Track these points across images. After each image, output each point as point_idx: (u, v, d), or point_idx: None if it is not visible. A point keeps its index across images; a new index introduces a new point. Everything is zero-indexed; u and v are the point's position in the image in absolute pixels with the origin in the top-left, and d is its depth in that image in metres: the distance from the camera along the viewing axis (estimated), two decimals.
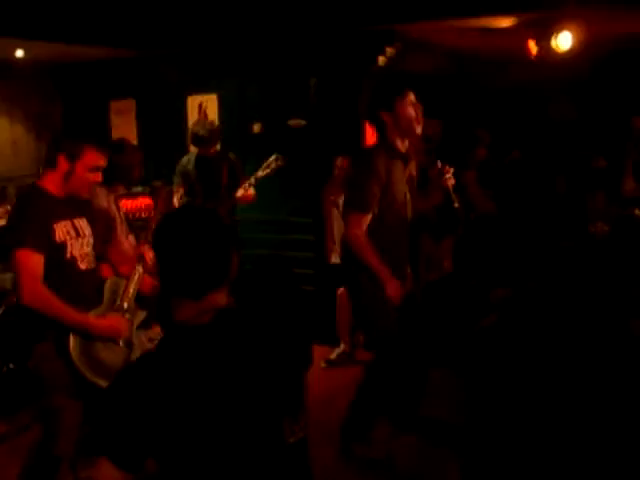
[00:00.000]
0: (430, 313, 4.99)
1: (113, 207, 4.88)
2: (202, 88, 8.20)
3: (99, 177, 3.82)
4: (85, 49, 7.62)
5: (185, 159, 6.90)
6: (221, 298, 2.19)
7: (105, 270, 4.33)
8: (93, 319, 3.67)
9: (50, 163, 3.73)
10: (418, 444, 4.71)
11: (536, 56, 7.19)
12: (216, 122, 7.58)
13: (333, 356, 6.87)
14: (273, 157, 6.42)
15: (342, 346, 6.91)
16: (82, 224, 3.83)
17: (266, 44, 7.56)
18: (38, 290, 3.50)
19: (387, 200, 4.25)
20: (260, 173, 6.41)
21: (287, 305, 6.64)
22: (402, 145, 4.34)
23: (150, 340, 3.96)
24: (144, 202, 6.09)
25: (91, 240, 3.86)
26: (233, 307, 2.24)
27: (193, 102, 8.26)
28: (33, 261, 3.51)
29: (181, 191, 6.64)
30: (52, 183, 3.72)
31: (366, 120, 4.74)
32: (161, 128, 8.50)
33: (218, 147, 6.89)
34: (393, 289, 4.22)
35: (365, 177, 4.19)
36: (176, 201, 6.46)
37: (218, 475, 2.09)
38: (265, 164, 6.42)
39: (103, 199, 4.74)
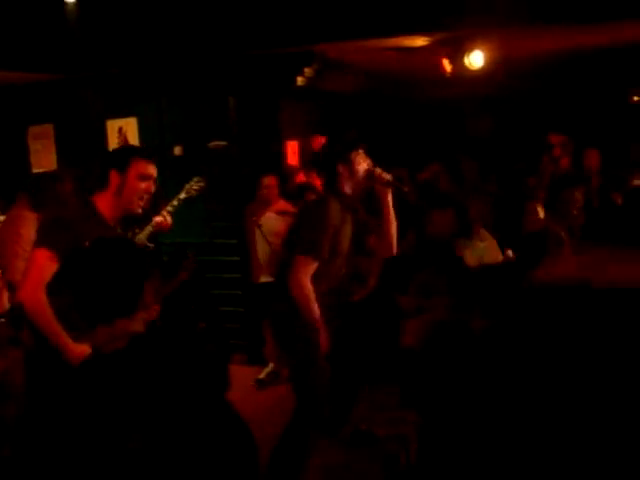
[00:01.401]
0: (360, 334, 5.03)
1: None
2: (121, 112, 8.15)
3: (151, 187, 3.86)
4: (1, 73, 7.50)
5: None
6: (135, 324, 2.23)
7: None
8: (72, 343, 3.58)
9: (101, 182, 3.74)
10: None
11: (450, 74, 7.38)
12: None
13: (262, 375, 6.88)
14: (194, 180, 6.41)
15: (271, 365, 6.93)
16: None
17: (184, 66, 7.57)
18: (39, 294, 3.44)
19: (335, 249, 4.27)
20: (181, 196, 6.39)
21: (202, 326, 6.63)
22: (351, 196, 4.41)
23: None
24: None
25: None
26: (149, 332, 2.26)
27: (113, 126, 8.20)
28: (49, 265, 3.46)
29: None
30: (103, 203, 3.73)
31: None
32: (81, 153, 8.40)
33: None
34: (323, 340, 4.24)
35: (320, 223, 4.22)
36: None
37: None
38: (186, 187, 6.41)
39: (32, 227, 4.68)
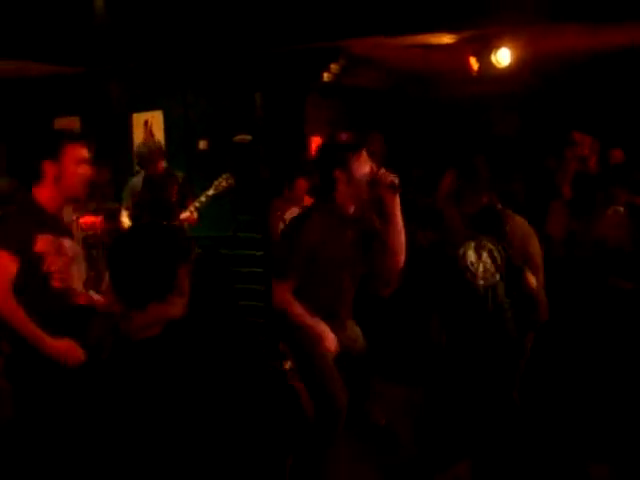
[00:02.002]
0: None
1: (74, 225, 4.87)
2: (147, 105, 8.20)
3: (89, 170, 3.75)
4: (29, 65, 7.57)
5: (135, 180, 6.90)
6: (170, 310, 2.23)
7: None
8: (50, 339, 3.58)
9: (35, 174, 3.67)
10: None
11: (477, 72, 7.36)
12: (159, 141, 7.58)
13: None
14: (223, 177, 6.44)
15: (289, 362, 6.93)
16: (66, 243, 3.75)
17: (210, 60, 7.60)
18: (7, 297, 3.46)
19: (319, 263, 4.02)
20: (210, 193, 6.42)
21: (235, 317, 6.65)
22: (349, 206, 4.08)
23: None
24: (92, 220, 6.06)
25: (73, 262, 3.79)
26: (186, 318, 2.27)
27: (138, 119, 8.25)
28: (9, 265, 3.47)
29: (129, 211, 6.62)
30: (43, 195, 3.66)
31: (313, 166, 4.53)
32: (106, 145, 8.45)
33: (165, 165, 6.89)
34: (330, 343, 4.02)
35: (293, 245, 4.01)
36: (125, 220, 6.44)
37: None
38: (215, 184, 6.44)
39: (67, 216, 4.73)
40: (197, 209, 6.45)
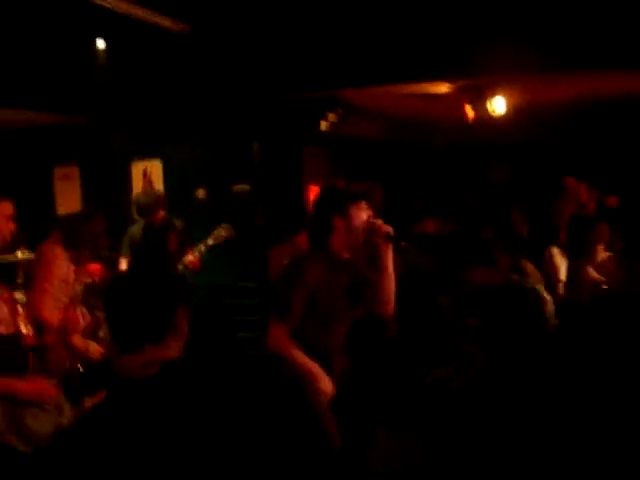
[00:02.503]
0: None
1: (72, 274, 4.90)
2: (146, 154, 8.25)
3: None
4: (30, 115, 7.64)
5: (134, 228, 6.92)
6: (167, 351, 2.26)
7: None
8: (19, 383, 3.61)
9: None
10: None
11: (473, 120, 7.45)
12: (159, 190, 7.62)
13: None
14: (223, 226, 6.48)
15: None
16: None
17: (209, 109, 7.67)
18: None
19: (316, 306, 4.03)
20: (209, 242, 6.46)
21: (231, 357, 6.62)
22: (344, 253, 4.12)
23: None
24: (92, 268, 6.06)
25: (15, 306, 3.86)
26: (182, 360, 2.29)
27: (137, 168, 8.30)
28: None
29: (128, 259, 6.63)
30: None
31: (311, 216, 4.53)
32: (105, 194, 8.50)
33: (164, 214, 6.91)
34: (325, 385, 4.00)
35: (292, 285, 3.99)
36: (124, 268, 6.45)
37: None
38: (214, 233, 6.47)
39: (63, 264, 4.77)
40: (200, 254, 6.48)
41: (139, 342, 2.23)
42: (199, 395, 2.27)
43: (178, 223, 6.85)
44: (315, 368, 4.01)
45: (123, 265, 6.48)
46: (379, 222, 4.03)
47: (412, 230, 6.87)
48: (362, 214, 4.04)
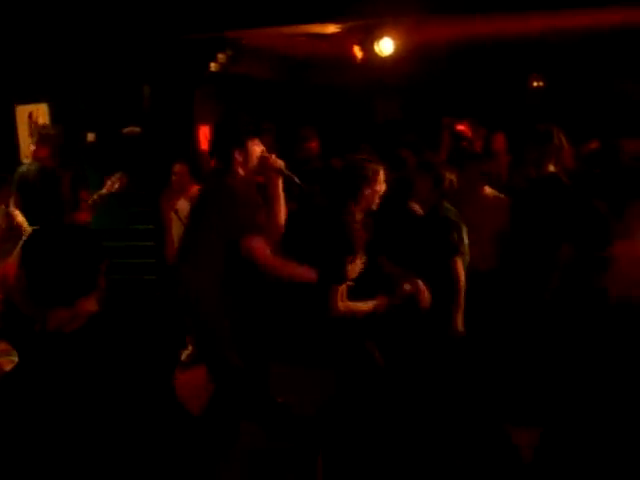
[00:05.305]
0: None
1: None
2: (32, 97, 8.02)
3: None
4: None
5: (23, 167, 6.69)
6: (91, 304, 2.36)
7: None
8: None
9: None
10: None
11: (361, 60, 7.56)
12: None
13: (183, 357, 6.93)
14: (116, 176, 6.42)
15: (190, 347, 6.98)
16: None
17: (97, 52, 7.51)
18: None
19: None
20: (103, 192, 6.40)
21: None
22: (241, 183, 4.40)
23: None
24: None
25: None
26: (102, 312, 2.38)
27: (23, 112, 8.07)
28: None
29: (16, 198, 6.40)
30: None
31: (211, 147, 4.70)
32: None
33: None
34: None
35: (247, 201, 4.27)
36: (13, 208, 6.28)
37: None
38: (108, 183, 6.41)
39: None
40: (89, 207, 6.42)
41: (70, 296, 2.30)
42: (125, 345, 2.38)
43: (73, 168, 6.72)
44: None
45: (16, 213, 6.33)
46: (272, 156, 4.36)
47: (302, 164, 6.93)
48: (257, 149, 4.36)
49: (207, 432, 4.37)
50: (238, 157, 4.32)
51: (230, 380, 4.42)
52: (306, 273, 4.32)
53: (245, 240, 4.26)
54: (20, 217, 5.93)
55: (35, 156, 6.57)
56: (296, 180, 4.41)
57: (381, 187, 4.49)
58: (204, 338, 4.51)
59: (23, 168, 6.67)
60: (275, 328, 4.86)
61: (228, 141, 4.38)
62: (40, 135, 6.63)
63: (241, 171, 4.33)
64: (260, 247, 4.26)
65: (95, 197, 6.43)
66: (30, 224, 5.84)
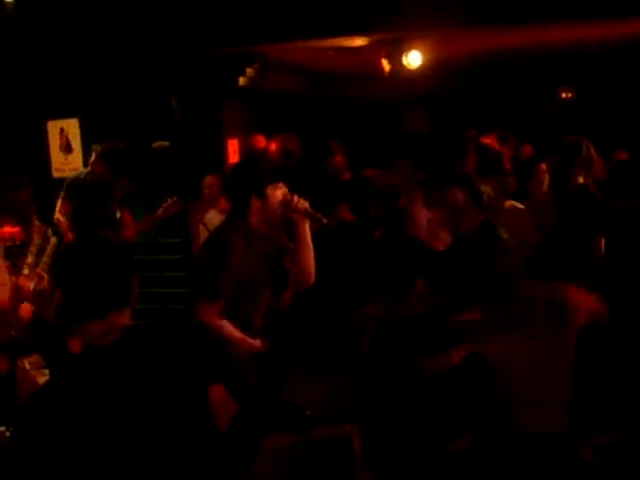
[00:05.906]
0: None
1: None
2: (63, 112, 8.10)
3: None
4: None
5: (79, 179, 6.64)
6: (125, 318, 2.39)
7: None
8: None
9: None
10: None
11: (389, 73, 7.55)
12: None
13: None
14: (173, 199, 6.42)
15: None
16: None
17: (126, 66, 7.57)
18: None
19: (241, 283, 4.12)
20: (159, 214, 6.41)
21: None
22: (262, 227, 4.20)
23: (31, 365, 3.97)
24: (10, 230, 5.96)
25: None
26: (136, 326, 2.42)
27: (54, 127, 8.14)
28: None
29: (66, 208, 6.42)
30: None
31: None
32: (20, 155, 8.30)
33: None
34: (252, 344, 4.14)
35: (218, 267, 4.04)
36: (60, 217, 6.31)
37: None
38: (164, 206, 6.40)
39: None
40: (136, 225, 6.44)
41: (105, 309, 2.33)
42: (157, 358, 2.41)
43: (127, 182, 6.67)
44: (247, 341, 4.10)
45: (60, 213, 6.32)
46: (295, 199, 4.09)
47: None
48: (278, 193, 4.08)
49: (231, 450, 4.35)
50: (255, 204, 4.08)
51: (249, 403, 4.33)
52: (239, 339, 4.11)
53: (198, 298, 4.13)
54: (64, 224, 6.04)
55: (94, 170, 6.52)
56: (323, 220, 4.20)
57: None
58: (218, 362, 4.42)
59: (79, 180, 6.63)
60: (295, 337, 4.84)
61: (246, 186, 4.12)
62: (104, 152, 6.58)
63: (254, 219, 4.11)
64: (207, 316, 4.06)
65: (150, 219, 6.43)
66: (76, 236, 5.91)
